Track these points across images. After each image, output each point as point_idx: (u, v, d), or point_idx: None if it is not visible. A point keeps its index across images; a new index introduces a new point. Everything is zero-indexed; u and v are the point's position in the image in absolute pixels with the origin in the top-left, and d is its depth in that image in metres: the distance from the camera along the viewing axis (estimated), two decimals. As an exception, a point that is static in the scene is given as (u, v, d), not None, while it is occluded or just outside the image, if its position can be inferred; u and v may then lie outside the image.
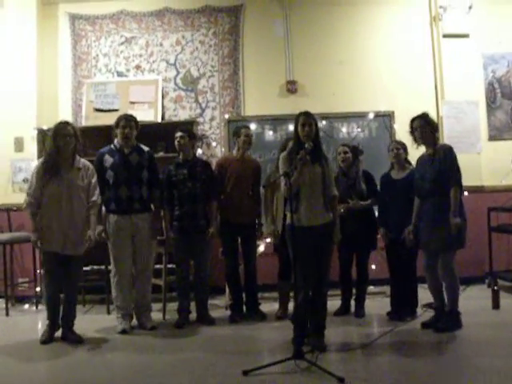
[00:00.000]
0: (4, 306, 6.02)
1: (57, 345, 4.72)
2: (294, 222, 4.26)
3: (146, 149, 5.33)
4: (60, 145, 4.79)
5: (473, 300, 5.79)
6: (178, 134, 5.41)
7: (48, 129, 4.96)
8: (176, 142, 5.41)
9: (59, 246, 4.76)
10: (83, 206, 4.87)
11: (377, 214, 5.51)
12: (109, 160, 5.17)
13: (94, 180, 4.98)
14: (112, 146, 5.26)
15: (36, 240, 4.75)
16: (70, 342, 4.76)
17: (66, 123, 4.90)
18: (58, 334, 4.86)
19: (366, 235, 5.45)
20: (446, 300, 4.84)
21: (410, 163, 5.37)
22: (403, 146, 5.35)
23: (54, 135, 4.80)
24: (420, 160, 5.00)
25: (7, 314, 5.96)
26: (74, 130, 4.87)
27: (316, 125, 4.44)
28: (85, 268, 6.25)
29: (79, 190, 4.86)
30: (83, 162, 4.98)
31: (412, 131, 4.94)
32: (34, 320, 4.94)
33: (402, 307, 5.22)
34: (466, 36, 7.07)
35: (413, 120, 4.94)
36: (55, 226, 4.75)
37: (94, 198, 4.93)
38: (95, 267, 6.38)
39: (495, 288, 5.50)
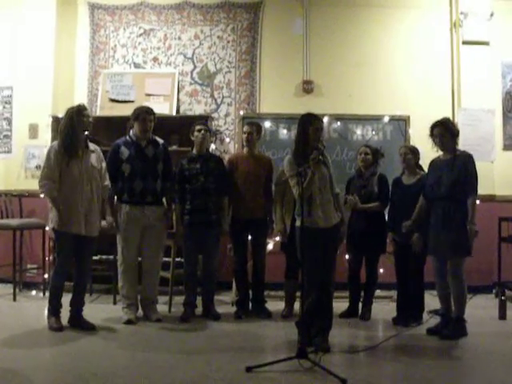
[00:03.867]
0: (12, 291, 6.07)
1: (62, 332, 4.74)
2: (307, 223, 4.20)
3: (160, 141, 5.34)
4: (81, 125, 4.79)
5: (479, 309, 5.77)
6: (202, 127, 5.41)
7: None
8: (200, 135, 5.37)
9: (81, 228, 4.77)
10: (99, 188, 4.93)
11: (387, 217, 5.50)
12: (125, 152, 5.17)
13: (105, 164, 5.05)
14: (127, 137, 5.26)
15: (59, 224, 4.72)
16: (83, 329, 4.78)
17: (84, 105, 4.98)
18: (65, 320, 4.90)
19: (375, 238, 5.41)
20: (452, 307, 4.82)
21: (421, 168, 5.35)
22: (413, 151, 5.33)
23: (77, 114, 4.78)
24: (434, 164, 4.94)
25: (14, 299, 6.02)
26: None
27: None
28: (93, 257, 6.31)
29: (96, 172, 4.90)
30: (93, 145, 5.03)
31: (432, 137, 4.88)
32: (41, 306, 4.97)
33: (408, 313, 5.20)
34: (485, 43, 7.00)
35: (433, 126, 4.85)
36: (77, 208, 4.75)
37: (106, 183, 5.01)
38: (103, 257, 6.43)
39: (502, 298, 5.47)
